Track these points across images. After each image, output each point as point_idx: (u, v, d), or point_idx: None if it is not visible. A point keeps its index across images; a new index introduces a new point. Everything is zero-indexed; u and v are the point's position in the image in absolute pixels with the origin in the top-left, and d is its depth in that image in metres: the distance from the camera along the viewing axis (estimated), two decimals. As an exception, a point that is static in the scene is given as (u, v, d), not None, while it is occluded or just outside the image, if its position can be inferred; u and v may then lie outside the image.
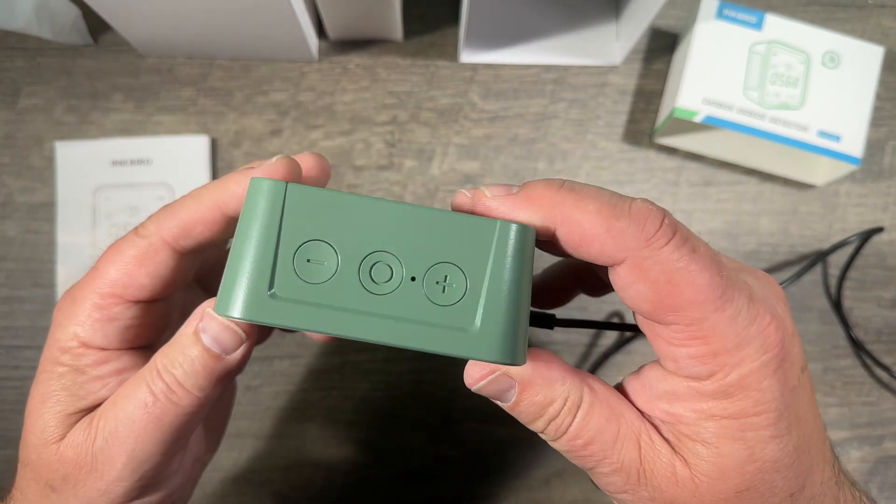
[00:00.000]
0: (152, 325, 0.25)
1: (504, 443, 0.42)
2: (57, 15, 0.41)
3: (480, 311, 0.18)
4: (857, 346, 0.44)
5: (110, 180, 0.42)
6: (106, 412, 0.22)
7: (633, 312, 0.21)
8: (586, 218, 0.19)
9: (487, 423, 0.42)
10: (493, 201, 0.20)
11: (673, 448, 0.20)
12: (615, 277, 0.20)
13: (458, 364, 0.20)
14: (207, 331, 0.21)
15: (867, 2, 0.46)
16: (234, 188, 0.22)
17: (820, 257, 0.43)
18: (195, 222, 0.23)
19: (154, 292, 0.24)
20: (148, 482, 0.23)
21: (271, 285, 0.18)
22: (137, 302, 0.24)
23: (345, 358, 0.43)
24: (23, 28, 0.41)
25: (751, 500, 0.20)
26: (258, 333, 0.24)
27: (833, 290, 0.44)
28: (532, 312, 0.24)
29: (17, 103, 0.43)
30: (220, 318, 0.21)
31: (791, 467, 0.20)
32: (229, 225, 0.23)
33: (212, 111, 0.44)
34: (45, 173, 0.43)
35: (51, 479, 0.23)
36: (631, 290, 0.19)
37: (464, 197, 0.21)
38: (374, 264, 0.19)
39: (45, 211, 0.43)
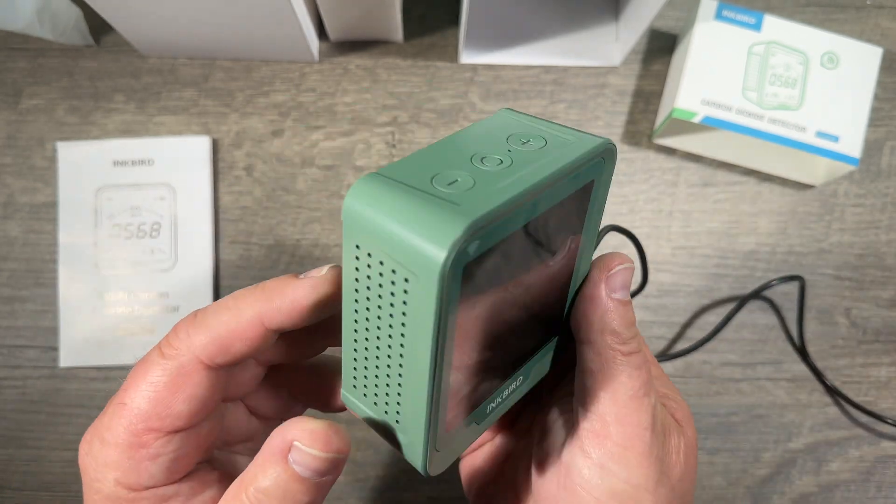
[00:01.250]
0: (201, 445, 0.22)
1: (504, 442, 0.43)
2: (58, 16, 0.41)
3: (555, 139, 0.20)
4: (834, 393, 0.44)
5: (112, 181, 0.42)
6: None
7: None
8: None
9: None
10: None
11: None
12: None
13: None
14: (300, 463, 0.19)
15: (865, 3, 0.46)
16: (279, 302, 0.20)
17: (743, 301, 0.43)
18: (233, 339, 0.20)
19: (195, 418, 0.21)
20: None
21: (450, 200, 0.17)
22: (178, 431, 0.21)
23: (345, 357, 0.43)
24: (25, 29, 0.41)
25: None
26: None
27: (795, 335, 0.44)
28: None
29: (19, 104, 0.44)
30: (309, 451, 0.19)
31: None
32: (271, 337, 0.21)
33: (213, 112, 0.44)
34: (47, 174, 0.43)
35: None
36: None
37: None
38: (483, 157, 0.19)
39: (46, 211, 0.43)
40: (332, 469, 0.19)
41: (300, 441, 0.19)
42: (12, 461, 0.42)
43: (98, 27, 0.44)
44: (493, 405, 0.22)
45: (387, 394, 0.20)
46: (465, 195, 0.17)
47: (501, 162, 0.19)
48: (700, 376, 0.44)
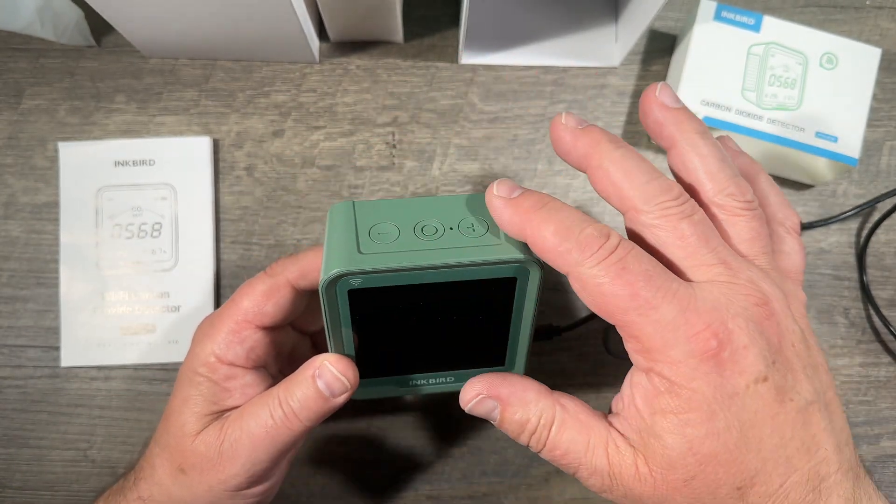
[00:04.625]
0: (269, 350, 0.32)
1: (504, 441, 0.43)
2: (60, 16, 0.42)
3: (502, 235, 0.26)
4: (869, 298, 0.44)
5: (113, 181, 0.43)
6: (233, 422, 0.29)
7: None
8: (544, 236, 0.23)
9: (488, 421, 0.43)
10: (496, 200, 0.25)
11: (636, 449, 0.24)
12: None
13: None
14: (322, 377, 0.28)
15: (865, 3, 0.46)
16: None
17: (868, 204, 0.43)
18: (313, 269, 0.31)
19: (276, 320, 0.31)
20: (255, 480, 0.30)
21: (358, 248, 0.26)
22: (262, 328, 0.31)
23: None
24: (25, 29, 0.42)
25: (697, 489, 0.23)
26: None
27: (864, 235, 0.45)
28: (536, 330, 0.34)
29: (21, 104, 0.44)
30: (332, 369, 0.28)
31: (734, 463, 0.22)
32: None
33: (214, 112, 0.44)
34: (49, 174, 0.43)
35: (182, 464, 0.30)
36: (581, 297, 0.24)
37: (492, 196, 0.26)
38: (423, 226, 0.27)
39: (48, 211, 0.43)
40: (340, 389, 0.28)
41: (328, 361, 0.28)
42: (13, 460, 0.42)
43: (99, 28, 0.44)
44: (418, 382, 0.32)
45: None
46: (378, 247, 0.26)
47: (435, 232, 0.26)
48: (699, 376, 0.44)
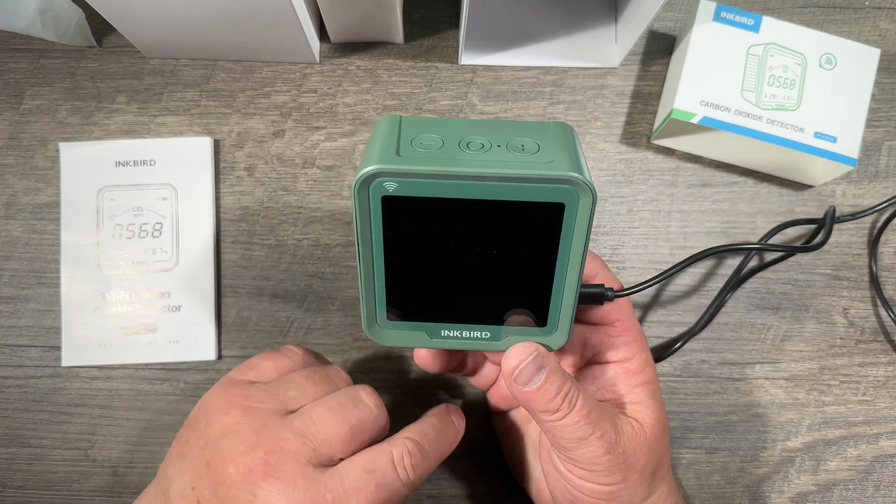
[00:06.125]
0: None
1: (504, 441, 0.43)
2: (61, 17, 0.42)
3: (550, 153, 0.25)
4: (877, 288, 0.44)
5: (114, 181, 0.43)
6: None
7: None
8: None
9: (488, 419, 0.43)
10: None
11: (626, 416, 0.31)
12: (608, 309, 0.32)
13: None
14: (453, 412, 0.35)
15: (864, 3, 0.46)
16: None
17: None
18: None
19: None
20: None
21: (397, 152, 0.24)
22: None
23: (347, 356, 0.43)
24: (27, 30, 0.42)
25: (665, 438, 0.32)
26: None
27: (875, 232, 0.45)
28: (583, 293, 0.30)
29: (22, 104, 0.44)
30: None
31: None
32: None
33: (214, 112, 0.44)
34: (50, 174, 0.43)
35: None
36: (606, 307, 0.32)
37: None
38: (469, 142, 0.25)
39: (49, 211, 0.43)
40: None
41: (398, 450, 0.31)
42: (14, 460, 0.42)
43: (100, 28, 0.44)
44: (449, 333, 0.29)
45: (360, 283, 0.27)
46: (414, 155, 0.24)
47: (482, 147, 0.25)
48: (698, 376, 0.44)
